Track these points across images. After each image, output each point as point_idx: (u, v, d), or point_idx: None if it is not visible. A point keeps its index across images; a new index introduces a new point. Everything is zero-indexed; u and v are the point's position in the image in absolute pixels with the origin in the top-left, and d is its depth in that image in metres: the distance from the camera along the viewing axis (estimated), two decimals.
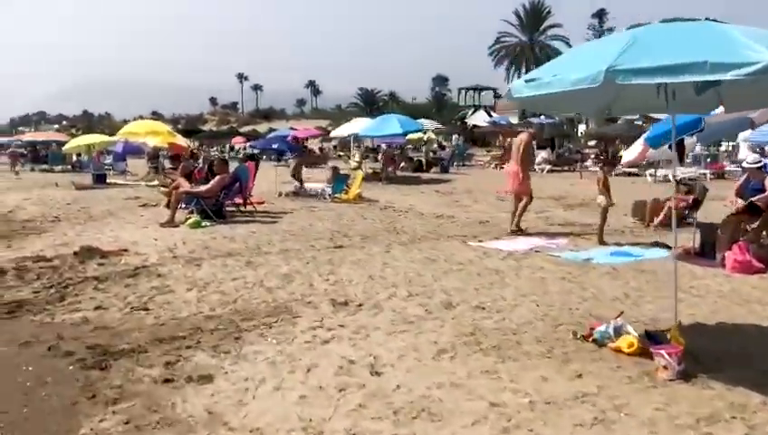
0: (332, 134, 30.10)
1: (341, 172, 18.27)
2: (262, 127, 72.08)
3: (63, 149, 26.25)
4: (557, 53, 60.32)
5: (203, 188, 12.10)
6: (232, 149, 48.13)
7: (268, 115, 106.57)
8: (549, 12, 77.90)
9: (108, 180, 21.71)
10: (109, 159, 32.36)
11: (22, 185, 21.98)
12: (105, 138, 25.26)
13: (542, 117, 35.24)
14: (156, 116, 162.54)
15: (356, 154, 29.74)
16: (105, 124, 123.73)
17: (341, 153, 37.81)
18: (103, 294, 6.86)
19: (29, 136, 40.95)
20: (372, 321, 5.84)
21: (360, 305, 6.36)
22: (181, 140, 21.26)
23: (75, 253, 8.40)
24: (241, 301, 6.60)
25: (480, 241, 10.11)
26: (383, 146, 28.18)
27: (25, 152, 39.34)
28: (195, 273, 7.72)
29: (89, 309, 6.37)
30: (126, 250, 8.83)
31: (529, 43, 77.07)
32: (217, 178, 11.98)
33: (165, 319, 6.00)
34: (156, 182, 20.42)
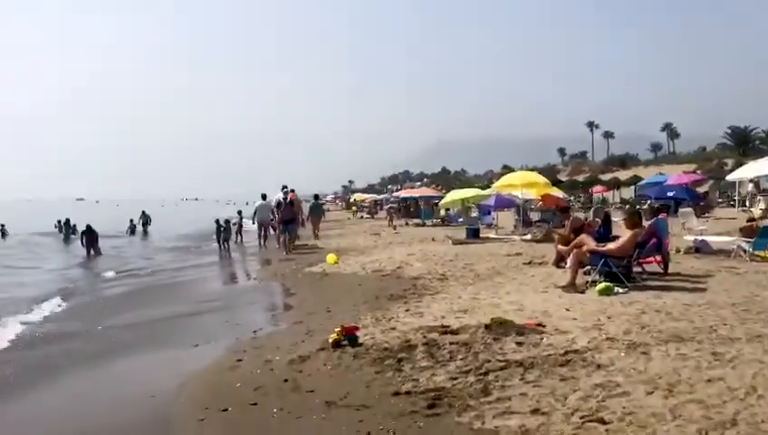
0: (731, 177, 25.43)
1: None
2: (622, 174, 67.57)
3: (441, 203, 27.13)
4: None
5: (613, 245, 10.11)
6: (589, 199, 45.69)
7: (624, 162, 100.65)
8: None
9: (480, 234, 21.27)
10: (475, 213, 32.92)
11: (401, 239, 22.89)
12: (479, 192, 25.31)
13: None
14: (506, 169, 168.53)
15: (761, 201, 24.72)
16: (461, 180, 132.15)
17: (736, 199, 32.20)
18: (535, 389, 5.27)
19: (404, 193, 44.43)
20: None
21: None
22: (557, 192, 19.76)
23: (487, 326, 7.08)
24: (745, 424, 4.35)
25: None
26: None
27: (398, 208, 42.83)
28: (646, 366, 5.69)
29: (524, 412, 4.82)
30: (543, 325, 7.26)
31: None
32: (631, 233, 9.88)
33: None
34: (529, 236, 19.25)
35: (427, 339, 6.86)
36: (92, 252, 23.44)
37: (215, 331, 9.44)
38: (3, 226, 37.49)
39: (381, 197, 70.28)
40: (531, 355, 6.13)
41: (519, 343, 6.50)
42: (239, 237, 25.51)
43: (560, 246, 12.05)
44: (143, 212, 42.18)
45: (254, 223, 24.60)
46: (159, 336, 9.65)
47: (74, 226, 33.18)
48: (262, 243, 23.51)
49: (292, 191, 22.41)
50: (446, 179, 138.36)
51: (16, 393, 6.90)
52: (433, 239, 21.74)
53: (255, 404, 5.46)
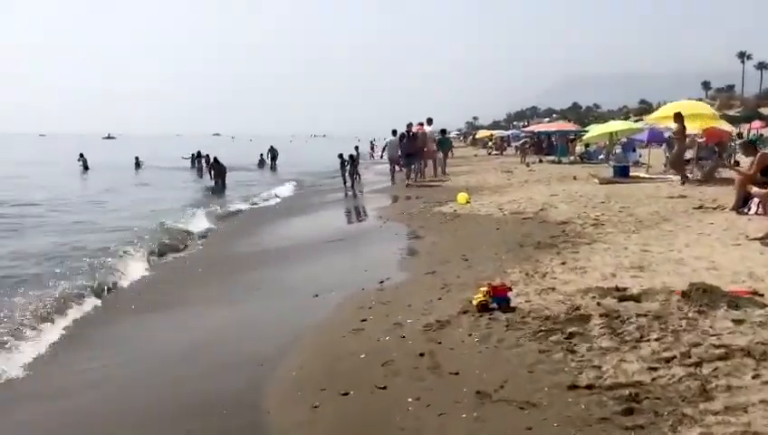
0: None
1: None
2: None
3: (585, 138, 24.61)
4: None
5: None
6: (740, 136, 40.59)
7: None
8: None
9: (630, 173, 18.84)
10: (618, 149, 29.92)
11: (537, 178, 20.91)
12: (631, 124, 22.40)
13: None
14: (644, 105, 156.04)
15: None
16: (594, 115, 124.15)
17: None
18: None
19: (537, 127, 41.58)
20: None
21: None
22: (726, 126, 16.90)
23: (684, 293, 5.37)
24: None
25: None
26: None
27: (531, 143, 40.26)
28: None
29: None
30: (760, 294, 5.45)
31: None
32: None
33: None
34: (689, 176, 16.73)
35: (603, 306, 5.29)
36: (219, 183, 23.46)
37: (337, 277, 8.38)
38: (137, 158, 39.07)
39: (509, 133, 67.11)
40: (759, 339, 4.41)
41: (737, 321, 4.77)
42: (357, 175, 24.52)
43: (754, 189, 9.83)
44: (271, 147, 42.54)
45: (381, 158, 25.55)
46: (279, 281, 8.75)
47: (207, 156, 33.79)
48: (393, 177, 22.74)
49: (421, 124, 22.05)
50: (578, 115, 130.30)
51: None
52: (575, 178, 19.58)
53: (384, 388, 4.22)
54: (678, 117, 15.61)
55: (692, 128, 17.10)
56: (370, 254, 10.09)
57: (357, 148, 28.56)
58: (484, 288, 5.67)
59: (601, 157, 29.40)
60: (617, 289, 5.88)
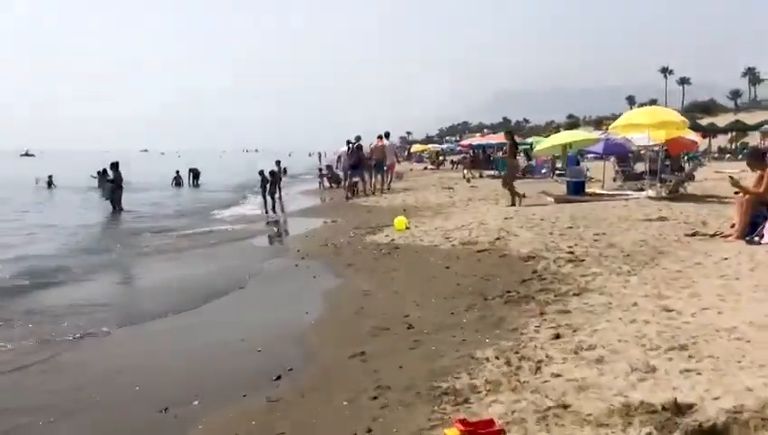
0: None
1: None
2: (720, 120, 59.70)
3: (535, 151, 22.47)
4: None
5: None
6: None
7: (708, 108, 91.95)
8: None
9: (585, 190, 16.70)
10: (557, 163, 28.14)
11: (482, 195, 18.61)
12: (585, 135, 20.26)
13: None
14: (571, 119, 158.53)
15: None
16: (523, 130, 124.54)
17: None
18: None
19: (476, 140, 39.58)
20: None
21: None
22: (693, 135, 14.99)
23: None
24: None
25: None
26: None
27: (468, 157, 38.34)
28: None
29: None
30: None
31: None
32: None
33: None
34: (652, 193, 14.70)
35: None
36: (116, 207, 20.10)
37: (213, 365, 5.56)
38: (50, 177, 34.76)
39: (444, 147, 65.49)
40: None
41: None
42: (278, 191, 21.70)
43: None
44: (192, 169, 39.08)
45: (337, 168, 25.94)
46: (110, 377, 5.88)
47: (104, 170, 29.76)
48: (354, 184, 22.05)
49: (380, 138, 22.68)
50: (509, 130, 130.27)
51: None
52: (524, 196, 17.35)
53: None
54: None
55: (655, 138, 15.13)
56: (273, 315, 7.23)
57: (279, 162, 25.51)
58: (452, 429, 3.01)
59: (544, 171, 27.56)
60: (678, 409, 3.35)
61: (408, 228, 11.84)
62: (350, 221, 14.48)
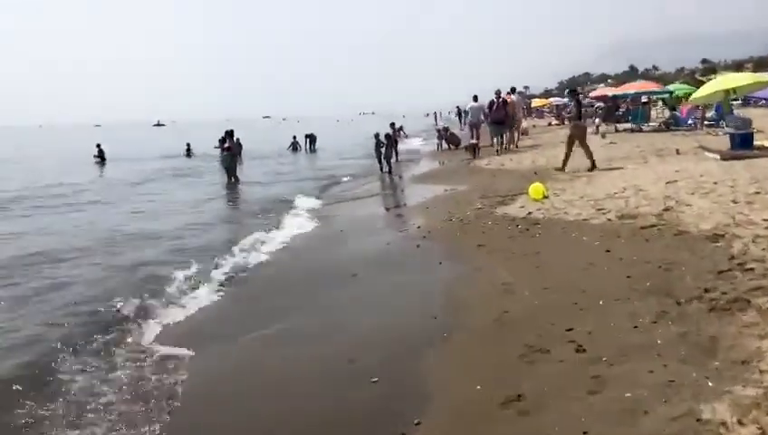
0: None
1: None
2: None
3: (692, 98, 19.59)
4: None
5: None
6: None
7: None
8: None
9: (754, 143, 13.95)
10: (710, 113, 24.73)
11: (623, 153, 16.24)
12: (754, 77, 17.06)
13: None
14: (706, 64, 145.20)
15: None
16: (654, 77, 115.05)
17: None
18: None
19: (600, 91, 36.21)
20: None
21: None
22: None
23: None
24: None
25: None
26: None
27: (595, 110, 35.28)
28: None
29: None
30: None
31: None
32: None
33: None
34: None
35: None
36: (231, 178, 19.55)
37: (295, 395, 4.26)
38: (188, 145, 35.33)
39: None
40: None
41: None
42: (395, 155, 20.42)
43: None
44: (309, 134, 38.67)
45: (463, 125, 26.21)
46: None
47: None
48: (475, 144, 20.61)
49: (509, 93, 21.54)
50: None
51: None
52: (678, 152, 14.91)
53: None
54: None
55: None
56: (390, 321, 5.69)
57: (393, 124, 23.95)
58: None
59: (691, 122, 24.34)
60: None
61: (546, 197, 10.04)
62: (474, 188, 12.82)
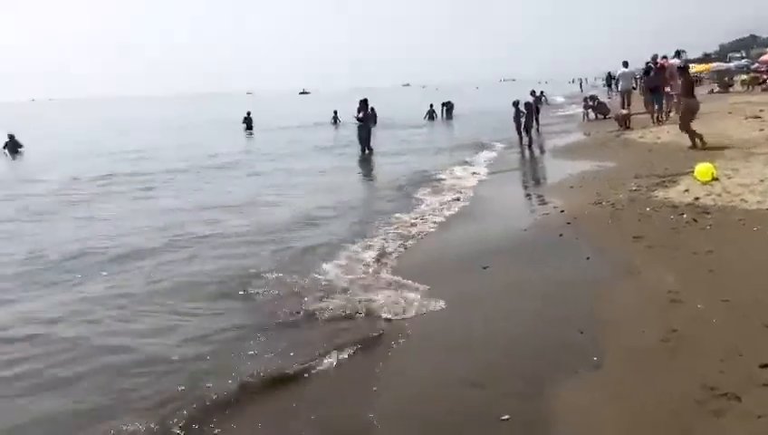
0: None
1: None
2: None
3: None
4: None
5: None
6: None
7: None
8: None
9: None
10: None
11: None
12: None
13: None
14: None
15: None
16: None
17: None
18: None
19: None
20: None
21: None
22: None
23: None
24: None
25: None
26: None
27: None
28: None
29: None
30: None
31: None
32: None
33: None
34: None
35: None
36: (365, 149, 19.20)
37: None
38: (336, 112, 35.50)
39: (732, 65, 55.51)
40: None
41: None
42: (536, 124, 19.19)
43: None
44: (443, 103, 37.69)
45: (613, 93, 25.18)
46: None
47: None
48: (626, 114, 18.75)
49: (665, 58, 19.93)
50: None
51: None
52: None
53: None
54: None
55: None
56: (524, 333, 4.75)
57: (534, 92, 22.26)
58: None
59: None
60: None
61: (716, 179, 8.58)
62: (626, 165, 11.43)
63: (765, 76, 31.95)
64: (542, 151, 16.96)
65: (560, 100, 43.41)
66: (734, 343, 3.85)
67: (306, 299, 5.68)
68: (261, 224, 9.40)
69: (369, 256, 7.22)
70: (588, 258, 6.15)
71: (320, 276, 6.42)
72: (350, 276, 6.39)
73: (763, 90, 29.73)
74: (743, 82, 36.22)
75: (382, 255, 7.25)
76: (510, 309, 5.24)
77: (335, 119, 34.79)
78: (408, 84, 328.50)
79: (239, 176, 15.80)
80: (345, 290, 5.92)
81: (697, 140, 12.42)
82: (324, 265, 6.78)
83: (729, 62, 68.21)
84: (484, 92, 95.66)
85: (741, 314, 4.31)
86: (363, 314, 5.26)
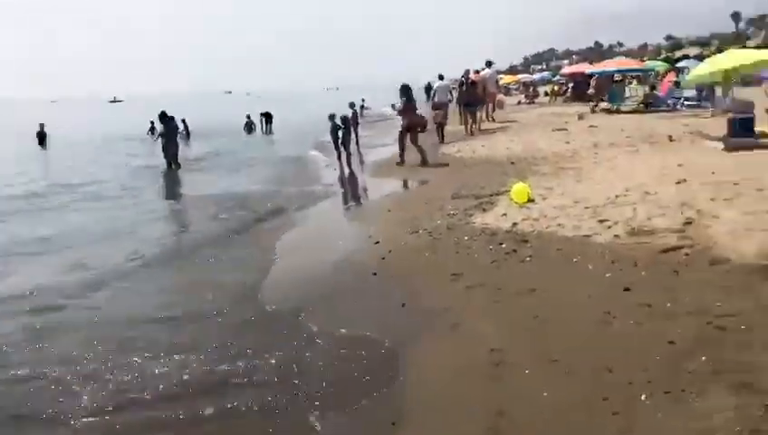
0: None
1: None
2: None
3: (688, 78, 17.96)
4: None
5: None
6: None
7: None
8: None
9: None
10: (689, 93, 23.37)
11: (610, 138, 14.65)
12: (759, 55, 15.18)
13: None
14: (671, 40, 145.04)
15: None
16: (618, 54, 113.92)
17: None
18: None
19: (574, 68, 34.57)
20: None
21: None
22: None
23: None
24: None
25: None
26: None
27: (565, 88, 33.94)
28: None
29: None
30: None
31: None
32: None
33: None
34: None
35: None
36: (173, 166, 17.43)
37: None
38: (153, 123, 32.10)
39: (536, 77, 60.10)
40: None
41: None
42: (356, 137, 18.70)
43: None
44: (265, 112, 36.19)
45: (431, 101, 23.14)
46: None
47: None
48: (440, 129, 18.42)
49: (477, 72, 21.82)
50: (600, 55, 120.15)
51: None
52: (671, 139, 13.36)
53: None
54: None
55: None
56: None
57: (353, 105, 21.36)
58: None
59: (671, 102, 22.94)
60: None
61: (531, 200, 8.29)
62: (445, 182, 11.02)
63: (566, 87, 34.27)
64: (362, 166, 16.32)
65: (390, 112, 42.90)
66: (563, 427, 3.15)
67: None
68: None
69: None
70: (403, 305, 5.32)
71: None
72: None
73: (564, 101, 31.84)
74: (547, 93, 38.91)
75: None
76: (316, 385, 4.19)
77: (152, 129, 31.95)
78: (229, 92, 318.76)
79: None
80: None
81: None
82: None
83: (533, 73, 73.85)
84: (311, 101, 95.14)
85: (572, 381, 3.66)
86: None
